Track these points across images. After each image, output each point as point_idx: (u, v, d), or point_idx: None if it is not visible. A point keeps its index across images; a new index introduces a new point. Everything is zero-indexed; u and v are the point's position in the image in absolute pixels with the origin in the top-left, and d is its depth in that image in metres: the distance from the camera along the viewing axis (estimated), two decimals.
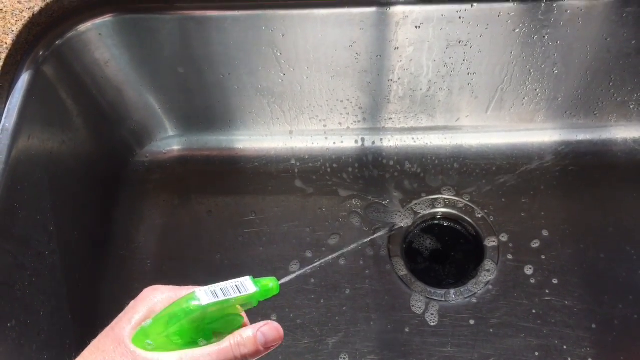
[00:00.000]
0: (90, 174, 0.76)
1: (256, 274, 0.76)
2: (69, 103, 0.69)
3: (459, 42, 0.71)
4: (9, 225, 0.58)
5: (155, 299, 0.40)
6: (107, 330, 0.39)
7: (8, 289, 0.58)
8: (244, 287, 0.41)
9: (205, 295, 0.39)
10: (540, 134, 0.85)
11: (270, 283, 0.43)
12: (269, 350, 0.40)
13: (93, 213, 0.77)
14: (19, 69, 0.61)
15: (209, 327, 0.40)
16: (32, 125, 0.63)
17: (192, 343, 0.39)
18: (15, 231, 0.59)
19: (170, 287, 0.41)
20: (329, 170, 0.85)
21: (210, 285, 0.40)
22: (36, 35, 0.63)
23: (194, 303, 0.38)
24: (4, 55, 0.60)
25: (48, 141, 0.66)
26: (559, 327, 0.73)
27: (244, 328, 0.40)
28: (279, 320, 0.72)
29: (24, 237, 0.61)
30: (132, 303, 0.40)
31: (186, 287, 0.41)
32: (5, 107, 0.60)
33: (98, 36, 0.68)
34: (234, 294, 0.40)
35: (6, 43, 0.60)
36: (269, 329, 0.40)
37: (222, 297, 0.39)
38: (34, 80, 0.62)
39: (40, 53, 0.63)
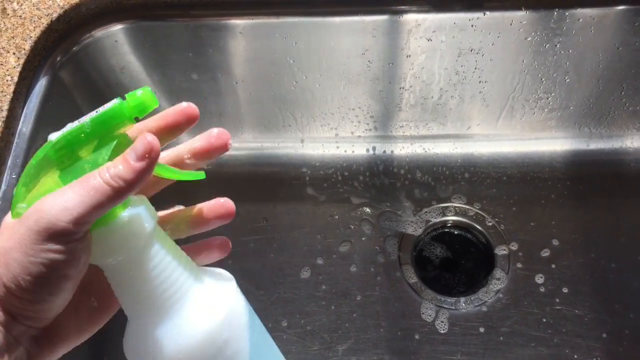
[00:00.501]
0: None
1: (266, 281, 0.77)
2: (85, 109, 0.70)
3: (471, 51, 0.71)
4: None
5: None
6: None
7: None
8: (106, 106, 0.33)
9: (59, 132, 0.33)
10: (552, 143, 0.85)
11: (139, 91, 0.33)
12: (151, 163, 0.32)
13: None
14: (37, 74, 0.62)
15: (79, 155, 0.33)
16: (49, 131, 0.63)
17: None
18: None
19: None
20: (340, 177, 0.85)
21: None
22: (54, 41, 0.64)
23: (48, 140, 0.33)
24: (22, 61, 0.61)
25: None
26: (570, 336, 0.73)
27: None
28: (289, 327, 0.73)
29: None
30: None
31: None
32: (22, 111, 0.60)
33: (114, 43, 0.69)
34: (89, 116, 0.33)
35: (24, 49, 0.61)
36: (137, 142, 0.32)
37: (76, 124, 0.33)
38: (51, 86, 0.63)
39: (58, 59, 0.65)
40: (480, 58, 0.72)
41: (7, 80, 0.59)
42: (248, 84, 0.77)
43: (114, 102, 0.33)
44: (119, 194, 0.31)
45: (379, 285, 0.77)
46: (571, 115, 0.81)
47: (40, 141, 0.62)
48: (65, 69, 0.65)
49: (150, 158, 0.32)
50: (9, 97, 0.59)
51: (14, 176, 0.58)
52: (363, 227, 0.82)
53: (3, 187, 0.57)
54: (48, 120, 0.63)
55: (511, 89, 0.77)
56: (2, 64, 0.60)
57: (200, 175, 0.38)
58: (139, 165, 0.31)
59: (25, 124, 0.60)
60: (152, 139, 0.32)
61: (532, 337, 0.73)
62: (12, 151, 0.59)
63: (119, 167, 0.31)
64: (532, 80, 0.75)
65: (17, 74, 0.60)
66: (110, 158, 0.32)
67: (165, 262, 0.35)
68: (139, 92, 0.33)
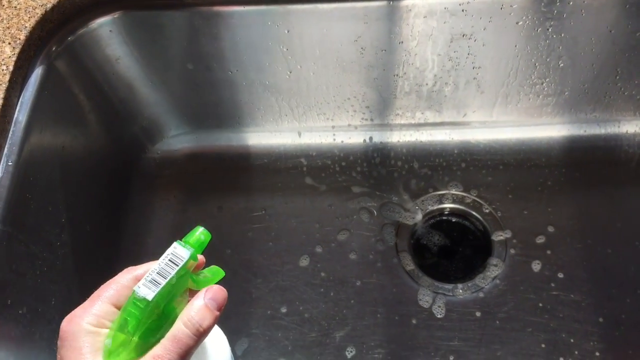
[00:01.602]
0: (101, 169, 0.78)
1: (265, 269, 0.77)
2: (80, 98, 0.71)
3: (463, 36, 0.71)
4: (22, 215, 0.60)
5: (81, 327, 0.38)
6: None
7: (20, 277, 0.59)
8: (178, 256, 0.39)
9: (147, 289, 0.38)
10: (548, 129, 0.85)
11: (198, 233, 0.41)
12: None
13: (104, 208, 0.79)
14: (32, 64, 0.63)
15: (167, 307, 0.39)
16: (45, 120, 0.64)
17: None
18: (27, 221, 0.61)
19: (83, 308, 0.38)
20: (337, 167, 0.86)
21: (146, 275, 0.38)
22: (49, 31, 0.65)
23: (139, 298, 0.38)
24: (17, 51, 0.61)
25: (60, 135, 0.68)
26: (567, 321, 0.73)
27: (189, 305, 0.39)
28: (287, 314, 0.74)
29: (36, 227, 0.62)
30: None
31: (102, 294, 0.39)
32: (18, 100, 0.61)
33: (109, 33, 0.70)
34: (172, 271, 0.39)
35: (19, 39, 0.62)
36: (214, 292, 0.39)
37: (163, 282, 0.38)
38: (46, 76, 0.64)
39: (53, 49, 0.65)
40: (472, 43, 0.72)
41: (2, 70, 0.60)
42: (243, 73, 0.77)
43: (184, 252, 0.39)
44: (202, 338, 0.39)
45: (376, 273, 0.78)
46: (567, 100, 0.81)
47: (36, 130, 0.62)
48: (60, 58, 0.66)
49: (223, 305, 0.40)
50: (4, 86, 0.59)
51: (10, 164, 0.59)
52: (361, 215, 0.82)
53: (0, 174, 0.58)
54: (44, 110, 0.64)
55: (505, 75, 0.77)
56: None
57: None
58: (218, 313, 0.39)
59: (21, 113, 0.61)
60: (225, 292, 0.40)
61: (529, 322, 0.73)
62: (9, 139, 0.60)
63: (206, 318, 0.38)
64: (525, 65, 0.75)
65: (13, 63, 0.61)
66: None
67: None
68: (201, 237, 0.41)
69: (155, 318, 0.38)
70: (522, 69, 0.76)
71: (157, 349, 0.37)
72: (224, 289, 0.40)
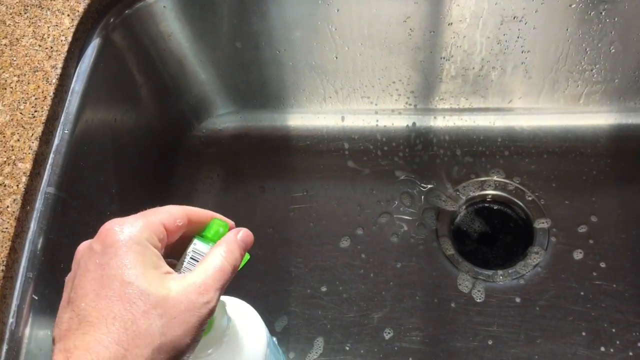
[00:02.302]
0: (150, 144, 0.80)
1: (305, 249, 0.78)
2: (133, 73, 0.73)
3: (514, 18, 0.71)
4: (76, 183, 0.61)
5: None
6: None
7: (73, 242, 0.61)
8: (199, 252, 0.39)
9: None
10: (595, 117, 0.84)
11: (216, 227, 0.40)
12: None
13: (151, 182, 0.80)
14: (89, 36, 0.65)
15: None
16: (99, 91, 0.66)
17: None
18: (80, 189, 0.63)
19: (136, 220, 0.37)
20: (379, 151, 0.86)
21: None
22: (106, 4, 0.66)
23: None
24: (75, 23, 0.63)
25: (113, 108, 0.70)
26: (609, 311, 0.72)
27: (225, 242, 0.39)
28: (325, 294, 0.74)
29: (88, 196, 0.64)
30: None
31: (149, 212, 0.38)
32: (75, 71, 0.63)
33: (162, 9, 0.71)
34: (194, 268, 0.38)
35: (78, 11, 0.64)
36: (245, 234, 0.40)
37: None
38: (102, 48, 0.65)
39: (110, 21, 0.67)
40: (523, 26, 0.72)
41: (61, 41, 0.62)
42: (290, 53, 0.78)
43: (204, 248, 0.39)
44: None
45: (416, 257, 0.78)
46: (616, 88, 0.80)
47: (91, 101, 0.64)
48: (116, 31, 0.67)
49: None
50: (63, 56, 0.61)
51: (66, 132, 0.60)
52: (402, 200, 0.82)
53: (56, 141, 0.59)
54: (99, 81, 0.65)
55: (555, 60, 0.76)
56: (57, 25, 0.63)
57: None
58: (244, 254, 0.40)
59: (77, 83, 0.63)
60: (252, 237, 0.41)
61: (570, 310, 0.72)
62: (65, 108, 0.61)
63: (237, 256, 0.39)
64: (576, 50, 0.75)
65: (71, 34, 0.62)
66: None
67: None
68: (220, 230, 0.40)
69: None
70: (572, 54, 0.75)
71: (207, 278, 0.36)
72: (251, 235, 0.40)
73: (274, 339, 0.63)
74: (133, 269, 0.34)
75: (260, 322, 0.53)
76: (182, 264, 0.38)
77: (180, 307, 0.34)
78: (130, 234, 0.35)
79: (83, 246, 0.37)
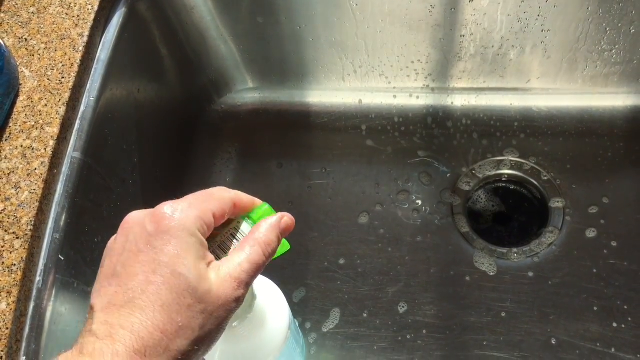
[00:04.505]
0: (171, 116, 0.81)
1: (321, 225, 0.79)
2: (157, 44, 0.74)
3: None
4: (100, 149, 0.63)
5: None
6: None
7: (97, 207, 0.62)
8: (242, 233, 0.40)
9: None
10: (613, 98, 0.84)
11: (265, 210, 0.41)
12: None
13: (171, 153, 0.81)
14: (115, 5, 0.66)
15: None
16: (124, 61, 0.67)
17: None
18: (105, 155, 0.64)
19: (190, 207, 0.37)
20: (397, 129, 0.86)
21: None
22: None
23: None
24: None
25: (136, 78, 0.71)
26: (623, 290, 0.72)
27: (262, 227, 0.39)
28: (340, 268, 0.75)
29: (111, 162, 0.65)
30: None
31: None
32: (101, 40, 0.64)
33: None
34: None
35: None
36: (286, 222, 0.40)
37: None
38: (128, 18, 0.66)
39: None
40: (544, 4, 0.72)
41: (88, 9, 0.63)
42: (311, 29, 0.79)
43: (243, 228, 0.40)
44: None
45: (431, 233, 0.78)
46: (635, 69, 0.80)
47: (116, 70, 0.65)
48: (142, 2, 0.68)
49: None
50: (89, 24, 0.62)
51: (92, 99, 0.61)
52: (420, 178, 0.83)
53: (82, 108, 0.60)
54: (124, 51, 0.66)
55: (574, 40, 0.77)
56: None
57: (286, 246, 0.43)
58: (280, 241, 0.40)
59: (103, 52, 0.64)
60: (293, 223, 0.41)
61: (584, 288, 0.73)
62: (91, 76, 0.62)
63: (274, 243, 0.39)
64: (596, 30, 0.75)
65: (98, 3, 0.63)
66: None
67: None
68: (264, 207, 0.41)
69: None
70: (592, 34, 0.75)
71: (242, 273, 0.37)
72: (294, 220, 0.41)
73: (297, 322, 0.64)
74: (184, 259, 0.34)
75: (284, 302, 0.54)
76: (225, 243, 0.39)
77: (217, 303, 0.35)
78: (185, 224, 0.36)
79: (133, 218, 0.37)
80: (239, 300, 0.36)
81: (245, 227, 0.40)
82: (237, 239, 0.39)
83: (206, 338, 0.35)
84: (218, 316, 0.35)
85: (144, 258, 0.34)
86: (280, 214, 0.40)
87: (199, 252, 0.36)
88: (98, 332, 0.33)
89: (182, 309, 0.34)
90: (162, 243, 0.35)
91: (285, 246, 0.41)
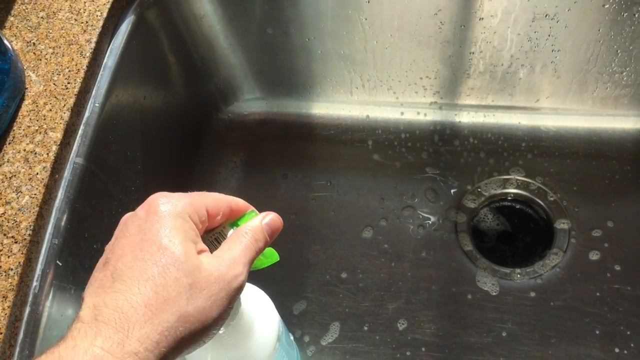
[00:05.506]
0: (176, 124, 0.81)
1: (324, 237, 0.79)
2: (165, 52, 0.74)
3: (546, 16, 0.70)
4: (104, 155, 0.63)
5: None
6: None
7: (98, 213, 0.62)
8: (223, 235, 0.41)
9: None
10: (623, 121, 0.83)
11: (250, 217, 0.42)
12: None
13: (175, 161, 0.81)
14: (124, 12, 0.66)
15: None
16: (131, 68, 0.67)
17: None
18: (108, 162, 0.64)
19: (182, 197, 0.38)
20: (403, 144, 0.86)
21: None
22: None
23: None
24: None
25: (143, 85, 0.71)
26: (626, 315, 0.71)
27: (250, 223, 0.40)
28: (341, 282, 0.75)
29: (115, 169, 0.65)
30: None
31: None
32: (109, 46, 0.64)
33: None
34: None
35: None
36: (272, 220, 0.41)
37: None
38: (136, 25, 0.66)
39: None
40: (554, 24, 0.71)
41: (97, 16, 0.63)
42: (320, 41, 0.79)
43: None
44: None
45: (434, 250, 0.78)
46: None
47: (122, 77, 0.65)
48: (151, 10, 0.68)
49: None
50: (97, 31, 0.62)
51: (97, 105, 0.61)
52: (425, 194, 0.82)
53: (87, 113, 0.60)
54: (131, 58, 0.66)
55: (585, 61, 0.76)
56: (93, 1, 0.64)
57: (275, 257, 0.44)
58: (269, 240, 0.40)
59: (110, 58, 0.64)
60: (281, 223, 0.42)
61: (587, 312, 0.72)
62: (97, 82, 0.62)
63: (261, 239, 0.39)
64: (607, 51, 0.74)
65: (107, 10, 0.63)
66: None
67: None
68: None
69: None
70: (603, 56, 0.75)
71: (234, 255, 0.37)
72: (281, 220, 0.41)
73: (291, 336, 0.63)
74: (172, 237, 0.35)
75: (275, 312, 0.54)
76: (213, 243, 0.39)
77: (210, 279, 0.35)
78: (175, 207, 0.36)
79: (127, 215, 0.38)
80: (238, 278, 0.36)
81: (231, 232, 0.40)
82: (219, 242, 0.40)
83: (198, 316, 0.34)
84: (212, 294, 0.35)
85: (132, 239, 0.35)
86: (261, 215, 0.41)
87: (188, 234, 0.36)
88: (84, 317, 0.33)
89: (168, 282, 0.33)
90: (151, 224, 0.35)
91: (274, 257, 0.42)
